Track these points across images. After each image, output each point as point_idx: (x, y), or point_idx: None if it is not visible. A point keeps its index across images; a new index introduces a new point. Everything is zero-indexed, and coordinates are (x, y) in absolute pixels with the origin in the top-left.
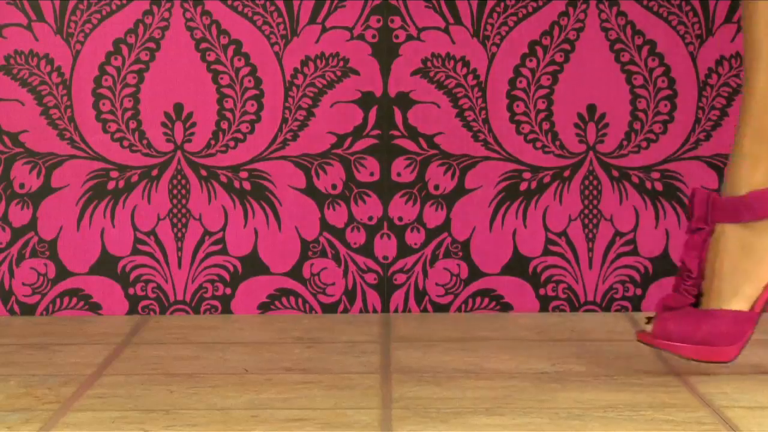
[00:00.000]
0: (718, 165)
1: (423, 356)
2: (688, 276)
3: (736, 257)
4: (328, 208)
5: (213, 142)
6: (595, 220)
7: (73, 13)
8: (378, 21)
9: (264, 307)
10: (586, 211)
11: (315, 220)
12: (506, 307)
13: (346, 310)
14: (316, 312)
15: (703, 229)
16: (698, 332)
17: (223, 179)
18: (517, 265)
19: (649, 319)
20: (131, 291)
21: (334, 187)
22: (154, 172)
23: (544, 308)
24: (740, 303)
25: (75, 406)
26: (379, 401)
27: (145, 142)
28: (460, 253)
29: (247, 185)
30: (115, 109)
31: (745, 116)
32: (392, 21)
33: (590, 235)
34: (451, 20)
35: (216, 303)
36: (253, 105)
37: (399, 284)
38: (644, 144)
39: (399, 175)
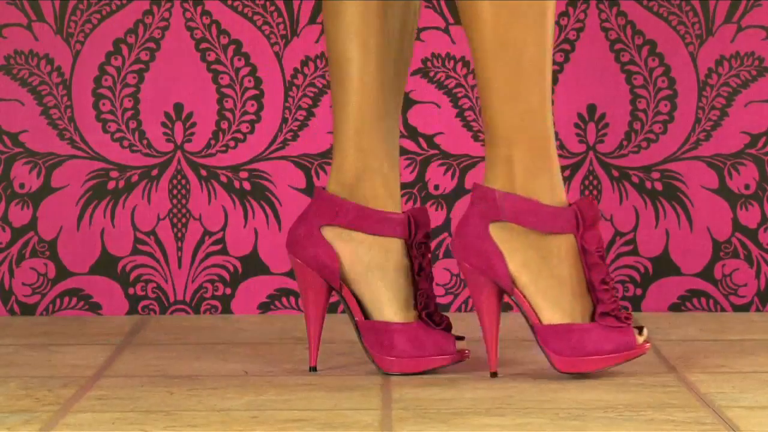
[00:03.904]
0: (718, 165)
1: None
2: None
3: None
4: None
5: (213, 142)
6: None
7: (73, 13)
8: None
9: (264, 307)
10: None
11: None
12: (506, 307)
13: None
14: None
15: None
16: None
17: (223, 179)
18: None
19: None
20: (131, 291)
21: None
22: (154, 172)
23: None
24: None
25: (75, 407)
26: (379, 402)
27: (145, 142)
28: None
29: (247, 185)
30: (115, 109)
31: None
32: None
33: None
34: (451, 20)
35: (216, 303)
36: (253, 105)
37: None
38: (644, 144)
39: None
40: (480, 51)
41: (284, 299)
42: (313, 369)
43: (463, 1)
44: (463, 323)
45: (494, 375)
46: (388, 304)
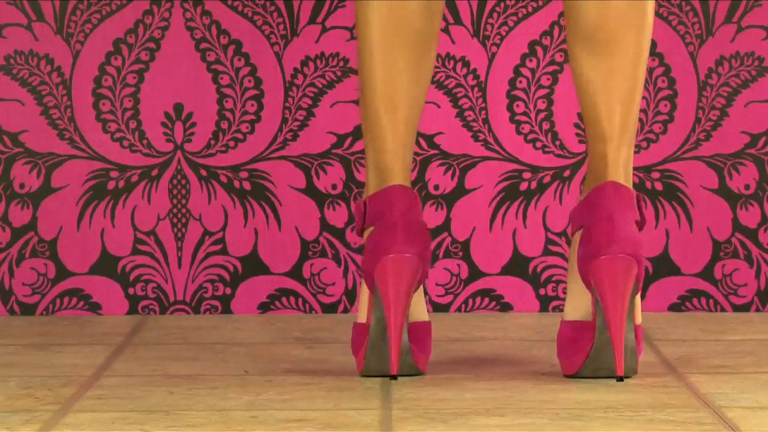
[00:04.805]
0: (718, 165)
1: None
2: None
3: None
4: (328, 208)
5: (213, 142)
6: None
7: (73, 13)
8: None
9: (264, 307)
10: None
11: (315, 220)
12: (506, 307)
13: (346, 310)
14: (316, 312)
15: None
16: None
17: (223, 179)
18: (517, 265)
19: None
20: (131, 291)
21: (334, 187)
22: (154, 172)
23: (544, 308)
24: (360, 316)
25: (75, 407)
26: (379, 402)
27: (145, 142)
28: (460, 253)
29: (247, 185)
30: (115, 109)
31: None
32: None
33: None
34: (451, 20)
35: (216, 303)
36: (253, 105)
37: None
38: (644, 144)
39: None
40: (642, 53)
41: (284, 299)
42: (395, 378)
43: (632, 5)
44: (464, 323)
45: (621, 379)
46: (424, 305)
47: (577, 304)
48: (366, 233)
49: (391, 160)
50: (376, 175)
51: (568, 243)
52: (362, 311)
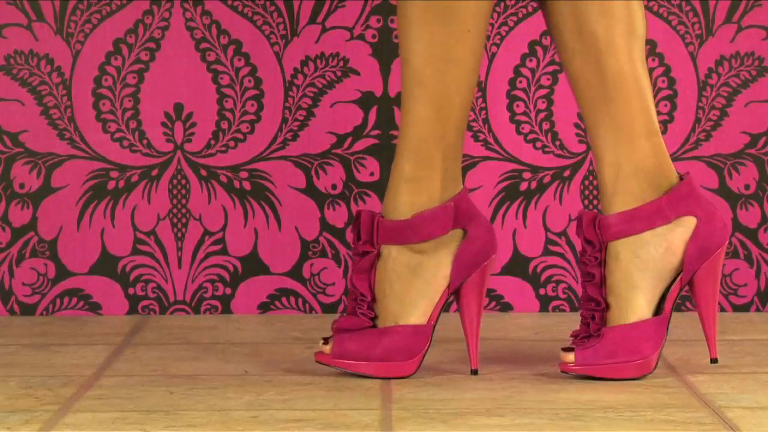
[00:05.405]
0: (718, 165)
1: None
2: (362, 299)
3: (407, 278)
4: (328, 208)
5: (213, 142)
6: None
7: (73, 13)
8: (378, 21)
9: (264, 307)
10: None
11: (315, 220)
12: (506, 307)
13: (346, 310)
14: (316, 312)
15: (370, 252)
16: (376, 349)
17: (223, 179)
18: (517, 265)
19: (325, 340)
20: (131, 291)
21: (334, 187)
22: (154, 172)
23: (544, 308)
24: (416, 319)
25: (75, 406)
26: (379, 402)
27: (145, 142)
28: None
29: (247, 185)
30: (115, 109)
31: (405, 143)
32: (392, 21)
33: None
34: None
35: (216, 303)
36: (253, 105)
37: None
38: None
39: None
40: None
41: (284, 299)
42: (475, 372)
43: None
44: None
45: (715, 361)
46: None
47: (652, 299)
48: (437, 240)
49: (460, 166)
50: (449, 182)
51: (568, 243)
52: (424, 313)
